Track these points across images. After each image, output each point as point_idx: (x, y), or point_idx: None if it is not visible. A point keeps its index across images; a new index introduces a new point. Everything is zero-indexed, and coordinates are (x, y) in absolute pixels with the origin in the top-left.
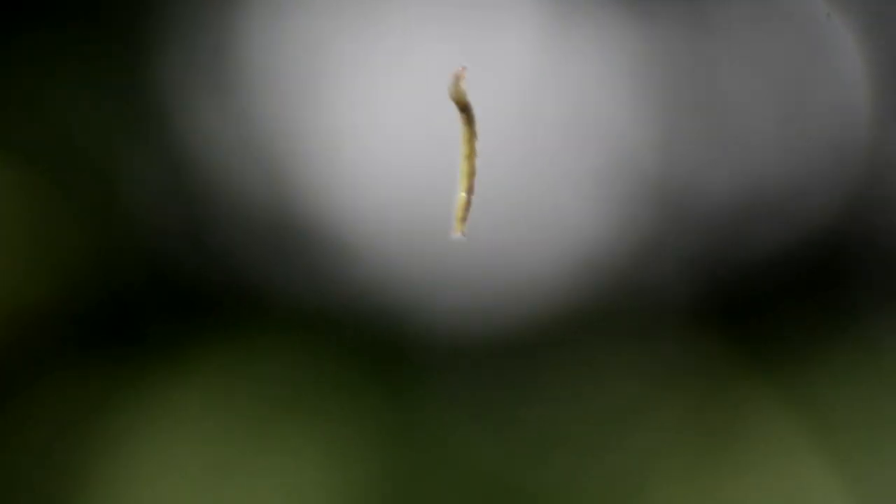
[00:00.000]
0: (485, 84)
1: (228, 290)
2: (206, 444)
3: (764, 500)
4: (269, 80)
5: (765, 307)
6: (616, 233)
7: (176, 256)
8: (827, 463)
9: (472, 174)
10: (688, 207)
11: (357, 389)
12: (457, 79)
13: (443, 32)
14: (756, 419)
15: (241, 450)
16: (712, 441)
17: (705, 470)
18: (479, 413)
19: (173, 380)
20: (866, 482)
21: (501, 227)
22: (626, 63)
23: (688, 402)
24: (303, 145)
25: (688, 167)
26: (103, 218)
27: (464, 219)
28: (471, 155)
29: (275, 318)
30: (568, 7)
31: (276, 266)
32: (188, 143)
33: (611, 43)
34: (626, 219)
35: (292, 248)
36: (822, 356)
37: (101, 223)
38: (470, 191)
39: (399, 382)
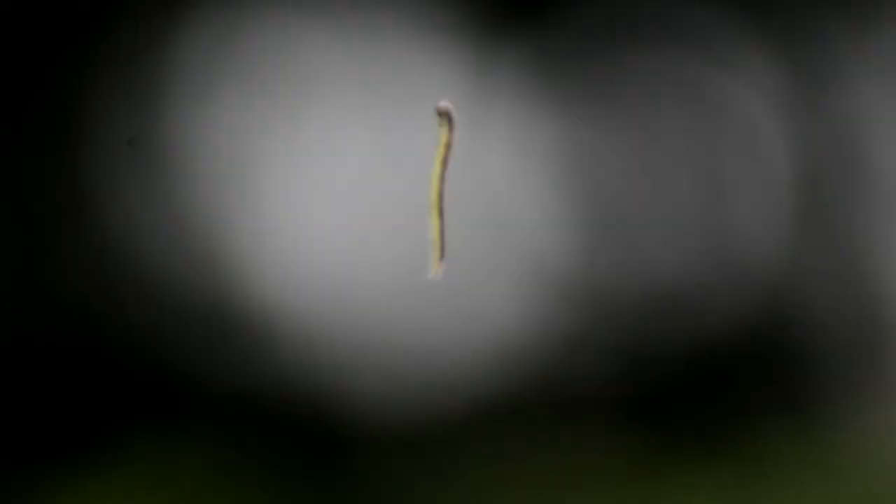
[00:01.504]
0: (405, 179)
1: (156, 377)
2: None
3: None
4: (197, 166)
5: (684, 399)
6: (537, 326)
7: (103, 340)
8: None
9: (441, 210)
10: (607, 301)
11: (286, 477)
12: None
13: (364, 123)
14: None
15: None
16: None
17: None
18: (403, 502)
19: (96, 470)
20: None
21: (426, 319)
22: (546, 159)
23: (608, 492)
24: (231, 231)
25: (607, 261)
26: (31, 300)
27: (440, 257)
28: (441, 189)
29: (202, 404)
30: (487, 101)
31: (205, 352)
32: (115, 228)
33: (530, 139)
34: (547, 312)
35: (220, 335)
36: (740, 445)
37: (28, 306)
38: (442, 227)
39: (327, 469)
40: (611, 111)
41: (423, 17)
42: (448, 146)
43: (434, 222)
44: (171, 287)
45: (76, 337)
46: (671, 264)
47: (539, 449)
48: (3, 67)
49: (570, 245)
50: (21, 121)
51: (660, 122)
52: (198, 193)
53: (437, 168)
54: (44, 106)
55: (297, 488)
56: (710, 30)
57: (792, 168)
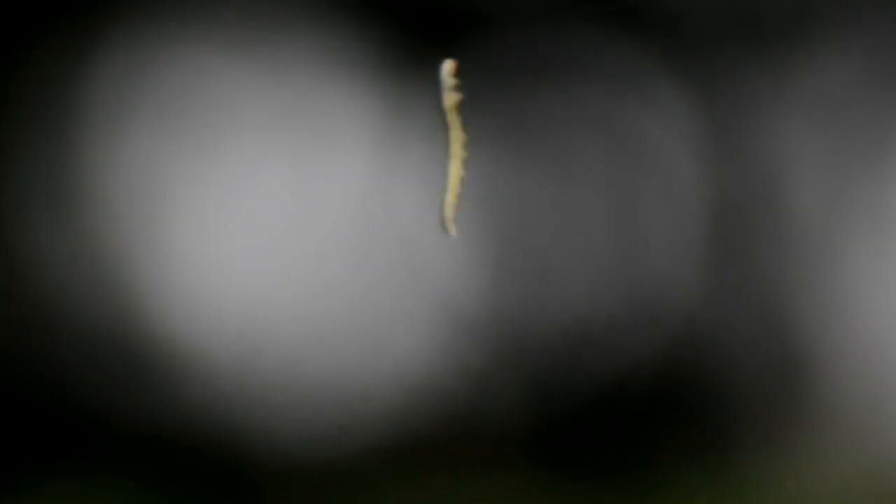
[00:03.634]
0: (319, 219)
1: (65, 417)
2: None
3: None
4: (109, 199)
5: (594, 436)
6: (449, 363)
7: (9, 379)
8: None
9: (460, 175)
10: (519, 338)
11: None
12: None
13: (277, 156)
14: None
15: None
16: None
17: None
18: None
19: None
20: None
21: (338, 356)
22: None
23: None
24: (143, 265)
25: (519, 298)
26: None
27: (453, 218)
28: (459, 155)
29: (112, 443)
30: (397, 142)
31: (114, 391)
32: (24, 263)
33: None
34: (459, 349)
35: (130, 373)
36: (651, 484)
37: None
38: (459, 191)
39: None
40: (525, 146)
41: (336, 51)
42: (460, 139)
43: (452, 182)
44: (81, 323)
45: None
46: (583, 301)
47: (448, 487)
48: None
49: (483, 282)
50: None
51: (575, 158)
52: (109, 227)
53: (452, 128)
54: None
55: None
56: (627, 66)
57: (706, 204)
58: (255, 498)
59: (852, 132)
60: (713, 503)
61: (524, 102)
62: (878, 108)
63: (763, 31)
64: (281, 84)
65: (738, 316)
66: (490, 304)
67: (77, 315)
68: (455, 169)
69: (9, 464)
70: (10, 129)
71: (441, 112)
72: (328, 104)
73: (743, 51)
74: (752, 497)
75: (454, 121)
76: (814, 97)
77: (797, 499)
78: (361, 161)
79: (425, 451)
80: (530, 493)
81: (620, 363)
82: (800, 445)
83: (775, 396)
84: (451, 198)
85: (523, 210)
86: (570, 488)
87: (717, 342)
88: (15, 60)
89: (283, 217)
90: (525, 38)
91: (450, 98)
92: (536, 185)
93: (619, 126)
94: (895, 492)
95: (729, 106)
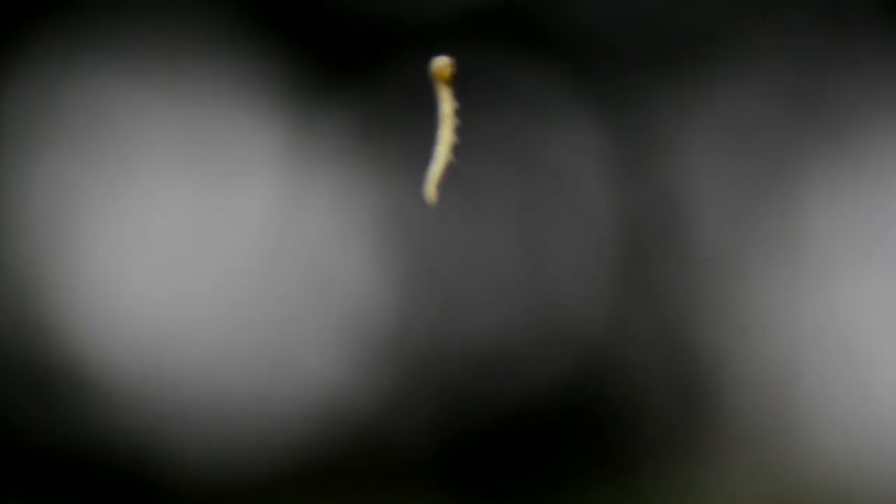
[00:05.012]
0: (228, 240)
1: None
2: None
3: None
4: (20, 221)
5: (504, 459)
6: (359, 384)
7: None
8: None
9: (452, 144)
10: (430, 359)
11: None
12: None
13: (188, 185)
14: None
15: None
16: None
17: None
18: None
19: None
20: None
21: (249, 376)
22: (369, 218)
23: None
24: (53, 286)
25: (429, 320)
26: None
27: (441, 186)
28: (451, 127)
29: (23, 461)
30: (310, 161)
31: (26, 409)
32: None
33: (353, 199)
34: (370, 370)
35: (42, 392)
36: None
37: None
38: (449, 160)
39: None
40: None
41: (245, 75)
42: (453, 114)
43: (442, 151)
44: None
45: None
46: (493, 323)
47: None
48: None
49: (393, 304)
50: None
51: (484, 180)
52: (18, 248)
53: (448, 110)
54: None
55: None
56: (536, 89)
57: (614, 227)
58: None
59: (759, 155)
60: None
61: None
62: (784, 131)
63: (671, 54)
64: (190, 107)
65: (645, 339)
66: (400, 325)
67: None
68: (446, 137)
69: None
70: None
71: (433, 81)
72: (237, 127)
73: (651, 74)
74: None
75: (446, 91)
76: (721, 119)
77: None
78: (271, 182)
79: (334, 471)
80: None
81: (528, 384)
82: (705, 469)
83: (682, 420)
84: (439, 166)
85: (433, 231)
86: None
87: (625, 365)
88: None
89: (192, 238)
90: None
91: (443, 70)
92: (446, 207)
93: (527, 148)
94: None
95: (637, 129)
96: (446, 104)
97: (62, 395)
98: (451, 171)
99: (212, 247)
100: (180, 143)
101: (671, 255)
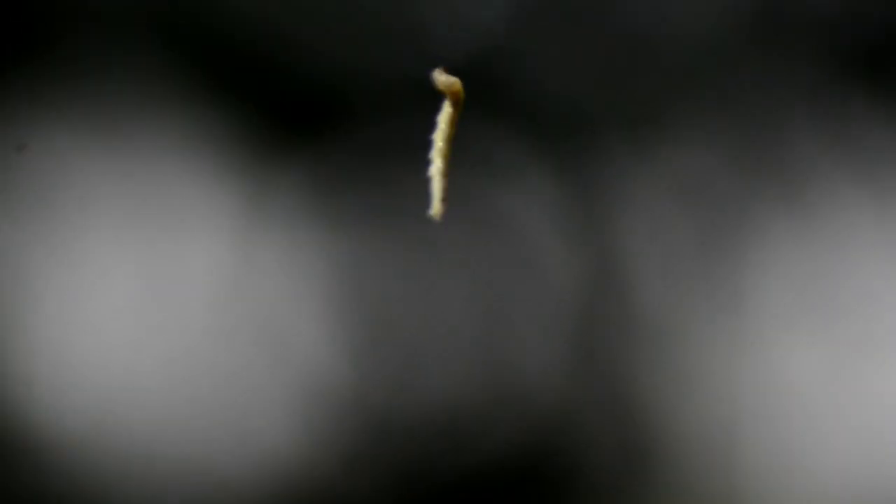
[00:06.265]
0: (177, 303)
1: None
2: None
3: None
4: None
5: None
6: (311, 446)
7: None
8: None
9: (448, 157)
10: (382, 424)
11: None
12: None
13: (138, 248)
14: None
15: None
16: None
17: None
18: None
19: None
20: None
21: (204, 443)
22: (322, 280)
23: None
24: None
25: (382, 383)
26: None
27: (444, 199)
28: (450, 139)
29: None
30: (264, 220)
31: None
32: None
33: (304, 261)
34: (322, 433)
35: None
36: None
37: None
38: (447, 173)
39: None
40: (389, 231)
41: (198, 139)
42: (457, 104)
43: (437, 163)
44: None
45: None
46: (447, 385)
47: None
48: None
49: (346, 367)
50: None
51: (438, 242)
52: None
53: (447, 117)
54: None
55: None
56: (491, 149)
57: (568, 290)
58: None
59: (710, 214)
60: None
61: (387, 186)
62: (736, 191)
63: (627, 114)
64: (140, 169)
65: (598, 403)
66: (354, 388)
67: None
68: (446, 152)
69: None
70: None
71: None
72: (188, 189)
73: (606, 133)
74: None
75: (448, 106)
76: (675, 179)
77: None
78: (222, 245)
79: None
80: None
81: (483, 448)
82: None
83: (632, 483)
84: (442, 181)
85: (387, 293)
86: None
87: (577, 429)
88: None
89: (142, 301)
90: (386, 122)
91: (447, 84)
92: (401, 270)
93: (482, 209)
94: None
95: (592, 188)
96: (444, 121)
97: (9, 459)
98: (450, 184)
99: (162, 309)
100: (130, 205)
101: (622, 316)
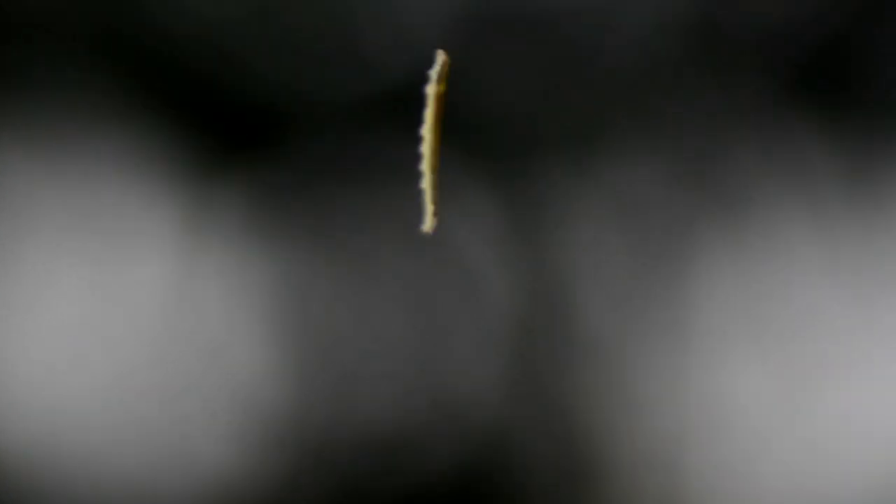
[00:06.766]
0: (119, 323)
1: None
2: None
3: None
4: None
5: None
6: (250, 468)
7: None
8: None
9: (436, 168)
10: (320, 444)
11: None
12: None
13: (79, 265)
14: None
15: None
16: None
17: None
18: None
19: None
20: None
21: (140, 460)
22: (261, 298)
23: None
24: None
25: (320, 403)
26: None
27: (435, 212)
28: (436, 150)
29: None
30: (203, 238)
31: None
32: None
33: (245, 277)
34: (260, 454)
35: None
36: None
37: None
38: (436, 183)
39: None
40: (328, 250)
41: (138, 155)
42: (440, 99)
43: (427, 176)
44: None
45: None
46: (386, 406)
47: None
48: None
49: (285, 386)
50: None
51: (378, 262)
52: None
53: (430, 120)
54: None
55: None
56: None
57: (505, 309)
58: None
59: (651, 233)
60: None
61: (326, 205)
62: (677, 209)
63: (567, 132)
64: (80, 186)
65: (535, 421)
66: (294, 408)
67: None
68: (433, 162)
69: None
70: None
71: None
72: (128, 205)
73: (548, 151)
74: None
75: (433, 111)
76: (614, 197)
77: None
78: (162, 262)
79: None
80: None
81: (421, 467)
82: None
83: (574, 502)
84: (431, 192)
85: (326, 311)
86: None
87: (515, 447)
88: None
89: (83, 319)
90: (326, 139)
91: (435, 87)
92: (340, 288)
93: (421, 229)
94: None
95: (530, 207)
96: (433, 122)
97: None
98: (440, 194)
99: (102, 327)
100: (71, 221)
101: (561, 335)
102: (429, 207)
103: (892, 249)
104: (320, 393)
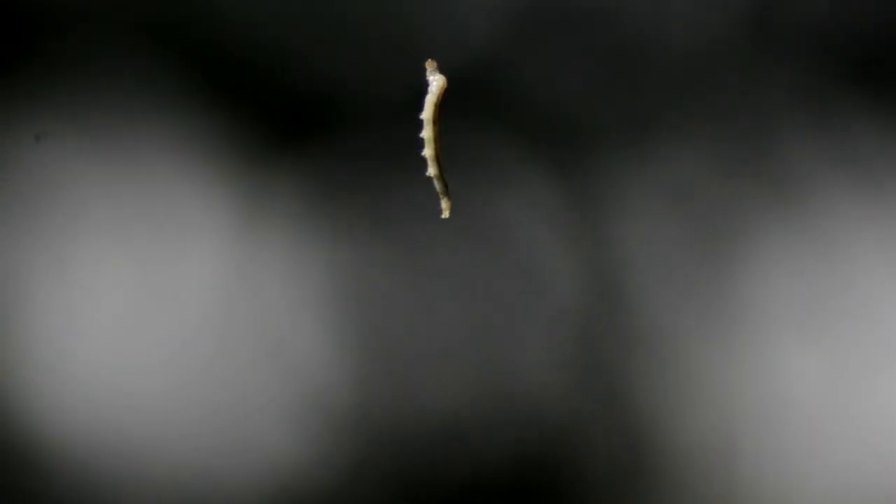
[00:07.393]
0: (176, 312)
1: None
2: None
3: None
4: None
5: None
6: (313, 456)
7: None
8: None
9: (440, 158)
10: (383, 433)
11: None
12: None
13: (137, 256)
14: None
15: None
16: None
17: None
18: None
19: None
20: None
21: (203, 453)
22: (322, 287)
23: None
24: None
25: (382, 392)
26: None
27: (447, 199)
28: (437, 138)
29: None
30: (261, 233)
31: None
32: None
33: (304, 270)
34: (323, 443)
35: None
36: None
37: None
38: (442, 173)
39: None
40: (390, 240)
41: (196, 145)
42: (441, 92)
43: (433, 165)
44: None
45: None
46: (448, 396)
47: None
48: None
49: (347, 375)
50: None
51: (440, 251)
52: None
53: (431, 113)
54: None
55: None
56: (492, 158)
57: (569, 299)
58: None
59: (711, 224)
60: None
61: (386, 193)
62: (738, 200)
63: (623, 122)
64: (137, 176)
65: (599, 411)
66: (355, 399)
67: None
68: (437, 151)
69: None
70: None
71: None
72: (186, 195)
73: (604, 141)
74: None
75: (431, 112)
76: (674, 188)
77: None
78: (221, 253)
79: None
80: None
81: (483, 459)
82: None
83: (635, 493)
84: (439, 183)
85: (386, 301)
86: None
87: (579, 438)
88: None
89: (141, 310)
90: (385, 128)
91: (433, 92)
92: (400, 278)
93: (484, 219)
94: None
95: (591, 197)
96: (431, 123)
97: (11, 472)
98: (447, 183)
99: (161, 319)
100: (126, 210)
101: (622, 325)
102: (440, 193)
103: None
104: (383, 382)
